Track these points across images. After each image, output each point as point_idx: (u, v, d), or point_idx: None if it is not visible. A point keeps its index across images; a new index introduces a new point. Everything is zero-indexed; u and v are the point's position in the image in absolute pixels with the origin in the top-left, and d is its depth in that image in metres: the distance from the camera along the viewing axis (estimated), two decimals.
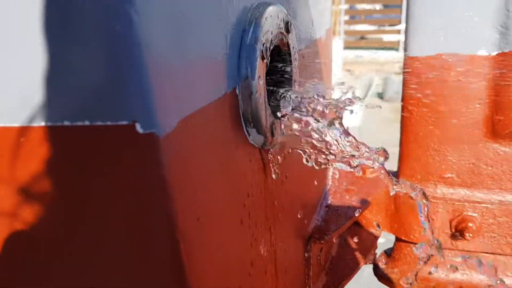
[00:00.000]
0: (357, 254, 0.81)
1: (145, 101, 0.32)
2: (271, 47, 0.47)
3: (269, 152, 0.51)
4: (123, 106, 0.32)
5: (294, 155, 0.64)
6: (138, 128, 0.32)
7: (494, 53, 0.74)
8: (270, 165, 0.52)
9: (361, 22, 11.26)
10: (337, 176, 0.89)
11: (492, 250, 0.79)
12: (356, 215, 0.74)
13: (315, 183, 0.77)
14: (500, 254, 0.80)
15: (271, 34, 0.47)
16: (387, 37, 10.21)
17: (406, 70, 0.81)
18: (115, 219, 0.35)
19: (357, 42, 10.72)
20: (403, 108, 0.84)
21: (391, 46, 9.81)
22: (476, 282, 0.83)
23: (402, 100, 0.84)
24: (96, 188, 0.34)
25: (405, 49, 0.81)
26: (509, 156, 0.78)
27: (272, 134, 0.48)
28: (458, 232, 0.79)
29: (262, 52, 0.44)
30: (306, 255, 0.68)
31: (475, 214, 0.79)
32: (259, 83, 0.44)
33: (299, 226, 0.67)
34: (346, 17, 10.78)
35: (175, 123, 0.34)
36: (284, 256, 0.60)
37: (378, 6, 11.32)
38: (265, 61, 0.45)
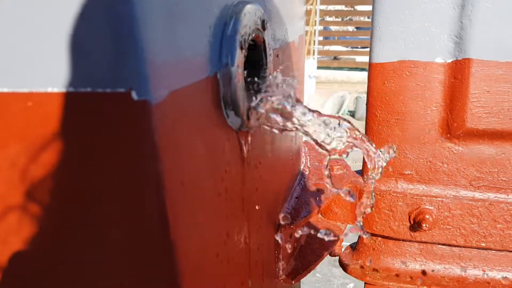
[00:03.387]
0: (324, 243, 0.87)
1: (141, 72, 0.37)
2: (249, 40, 0.53)
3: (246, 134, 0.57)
4: (122, 76, 0.37)
5: (267, 145, 0.70)
6: (134, 95, 0.37)
7: (449, 61, 0.83)
8: (244, 144, 0.57)
9: (334, 43, 11.53)
10: (307, 173, 0.95)
11: (447, 241, 0.86)
12: (323, 203, 0.80)
13: (287, 175, 0.83)
14: (454, 246, 0.88)
15: (249, 28, 0.53)
16: (359, 58, 10.49)
17: (370, 75, 0.88)
18: (111, 174, 0.40)
19: (330, 62, 10.97)
20: (367, 111, 0.91)
21: (364, 67, 10.08)
22: (433, 270, 0.90)
23: (367, 103, 0.91)
24: (95, 148, 0.39)
25: (370, 57, 0.88)
26: (463, 155, 0.86)
27: (248, 118, 0.54)
28: (416, 224, 0.85)
29: (241, 43, 0.50)
30: (277, 238, 0.74)
31: (432, 207, 0.86)
32: (238, 70, 0.50)
33: (271, 211, 0.73)
34: (320, 38, 11.01)
35: (165, 94, 0.39)
36: (257, 235, 0.66)
37: (351, 28, 11.63)
38: (243, 51, 0.51)
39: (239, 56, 0.50)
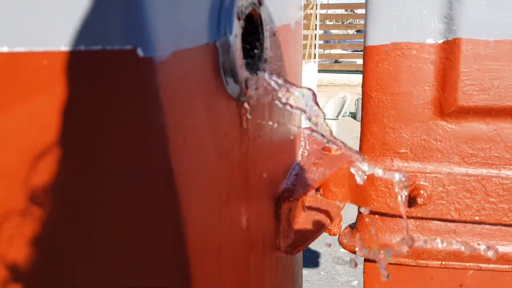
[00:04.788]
0: (323, 220, 0.90)
1: (146, 31, 0.41)
2: (246, 12, 0.56)
3: (245, 103, 0.60)
4: (129, 34, 0.41)
5: (266, 121, 0.73)
6: (139, 52, 0.41)
7: (440, 41, 0.86)
8: (244, 114, 0.61)
9: (335, 46, 11.59)
10: (306, 154, 0.98)
11: (442, 215, 0.89)
12: (322, 179, 0.83)
13: (285, 153, 0.86)
14: (449, 220, 0.90)
15: (246, 1, 0.56)
16: (360, 61, 10.53)
17: (365, 58, 0.92)
18: (118, 128, 0.43)
19: (331, 65, 11.02)
20: (363, 93, 0.94)
21: None
22: (429, 247, 0.93)
23: (363, 85, 0.95)
24: (105, 104, 0.43)
25: (364, 40, 0.92)
26: (455, 132, 0.89)
27: (247, 87, 0.57)
28: (411, 200, 0.88)
29: (238, 13, 0.54)
30: (276, 211, 0.77)
31: (426, 183, 0.89)
32: (236, 39, 0.54)
33: (270, 184, 0.76)
34: (321, 42, 11.07)
35: (168, 53, 0.43)
36: (257, 206, 0.69)
37: (351, 31, 11.69)
38: (240, 21, 0.55)
39: (237, 26, 0.54)
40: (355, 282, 3.89)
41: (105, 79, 0.42)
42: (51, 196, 0.50)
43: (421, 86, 0.89)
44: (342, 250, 4.55)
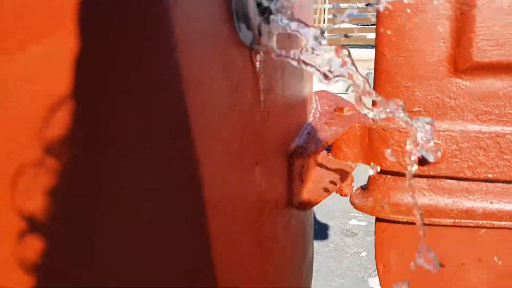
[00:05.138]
0: (334, 179, 0.90)
1: None
2: None
3: (258, 53, 0.60)
4: None
5: (279, 74, 0.72)
6: None
7: None
8: (257, 63, 0.60)
9: (344, 20, 11.40)
10: (317, 115, 0.97)
11: (455, 173, 0.89)
12: (334, 138, 0.83)
13: (298, 112, 0.86)
14: (462, 179, 0.90)
15: None
16: (370, 35, 10.39)
17: (379, 16, 0.90)
18: (131, 69, 0.43)
19: (340, 40, 10.87)
20: (376, 52, 0.93)
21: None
22: (441, 206, 0.93)
23: (376, 45, 0.93)
24: (116, 44, 0.42)
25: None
26: (470, 90, 0.88)
27: (260, 34, 0.56)
28: (424, 158, 0.88)
29: None
30: (289, 168, 0.77)
31: (440, 141, 0.88)
32: None
33: (283, 141, 0.76)
34: (330, 16, 10.91)
35: None
36: (270, 158, 0.69)
37: (360, 5, 11.49)
38: None
39: None
40: (364, 253, 3.92)
41: (119, 19, 0.41)
42: (66, 145, 0.50)
43: (435, 43, 0.87)
44: (351, 222, 4.59)
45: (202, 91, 0.47)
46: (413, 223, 0.96)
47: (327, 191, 0.84)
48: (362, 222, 4.45)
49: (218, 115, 0.51)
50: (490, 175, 0.87)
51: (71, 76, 0.45)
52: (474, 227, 0.91)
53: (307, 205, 0.79)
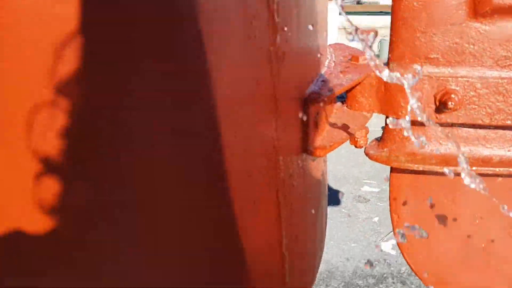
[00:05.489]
0: (349, 129, 0.89)
1: None
2: None
3: None
4: None
5: (294, 13, 0.71)
6: None
7: None
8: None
9: None
10: (332, 65, 0.96)
11: (473, 120, 0.87)
12: (349, 85, 0.82)
13: (312, 58, 0.84)
14: (480, 126, 0.89)
15: None
16: (384, 1, 10.16)
17: None
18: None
19: (353, 7, 10.66)
20: None
21: (388, 11, 9.77)
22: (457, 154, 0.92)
23: None
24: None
25: None
26: (489, 34, 0.85)
27: None
28: (442, 105, 0.86)
29: None
30: (303, 114, 0.76)
31: (458, 88, 0.86)
32: None
33: (297, 85, 0.75)
34: None
35: None
36: (284, 101, 0.68)
37: None
38: None
39: None
40: (376, 219, 3.94)
41: None
42: (79, 84, 0.50)
43: None
44: (363, 189, 4.59)
45: (216, 19, 0.46)
46: (428, 173, 0.95)
47: (341, 139, 0.83)
48: (375, 188, 4.45)
49: (233, 45, 0.50)
50: (509, 122, 0.86)
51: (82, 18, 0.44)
52: (491, 175, 0.90)
53: (322, 151, 0.78)
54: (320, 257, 1.02)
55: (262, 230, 0.62)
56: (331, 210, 4.10)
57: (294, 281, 0.71)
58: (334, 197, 4.30)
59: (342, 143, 0.83)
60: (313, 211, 0.85)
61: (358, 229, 3.83)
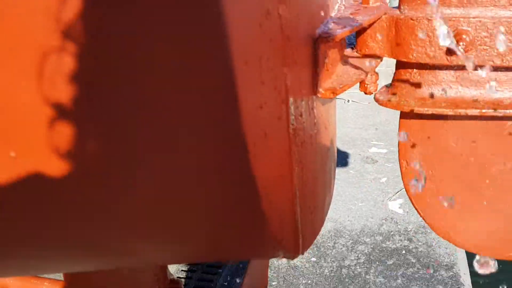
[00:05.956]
0: (359, 72, 0.89)
1: None
2: None
3: None
4: None
5: None
6: None
7: None
8: None
9: None
10: (342, 8, 0.95)
11: (484, 62, 0.87)
12: (362, 22, 0.81)
13: (323, 1, 0.84)
14: (491, 68, 0.88)
15: None
16: None
17: None
18: None
19: None
20: None
21: None
22: (468, 97, 0.92)
23: None
24: None
25: None
26: None
27: None
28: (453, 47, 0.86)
29: None
30: (314, 53, 0.76)
31: (469, 28, 0.85)
32: None
33: (308, 22, 0.74)
34: None
35: None
36: (295, 43, 0.68)
37: None
38: None
39: None
40: (383, 179, 3.97)
41: None
42: (85, 29, 0.50)
43: None
44: (371, 150, 4.60)
45: None
46: (438, 117, 0.96)
47: (351, 81, 0.84)
48: (383, 149, 4.46)
49: None
50: None
51: None
52: (501, 116, 0.90)
53: (331, 93, 0.79)
54: (329, 202, 1.04)
55: (274, 164, 0.63)
56: (339, 171, 4.13)
57: (304, 216, 0.73)
58: (342, 159, 4.32)
59: (352, 85, 0.84)
60: (323, 153, 0.87)
61: (365, 189, 3.87)
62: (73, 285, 1.34)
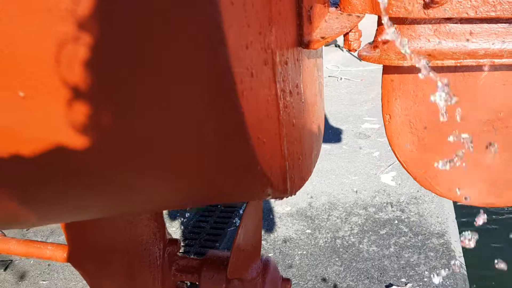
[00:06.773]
0: (341, 26, 0.94)
1: None
2: None
3: None
4: None
5: None
6: None
7: None
8: None
9: None
10: None
11: (459, 14, 0.92)
12: None
13: None
14: (465, 19, 0.93)
15: None
16: None
17: None
18: None
19: None
20: None
21: None
22: (445, 49, 0.97)
23: None
24: None
25: None
26: None
27: None
28: (429, 0, 0.91)
29: None
30: (298, 7, 0.81)
31: None
32: None
33: None
34: None
35: None
36: None
37: None
38: None
39: None
40: (376, 153, 4.04)
41: None
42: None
43: None
44: (364, 126, 4.67)
45: None
46: (417, 70, 1.01)
47: (335, 34, 0.89)
48: (375, 125, 4.53)
49: None
50: (492, 13, 0.90)
51: None
52: (475, 66, 0.95)
53: (316, 44, 0.84)
54: (316, 155, 1.09)
55: (261, 104, 0.68)
56: (332, 147, 4.20)
57: (292, 157, 0.78)
58: (335, 135, 4.39)
59: (335, 37, 0.89)
60: (309, 105, 0.92)
61: (358, 163, 3.94)
62: (75, 247, 1.40)
